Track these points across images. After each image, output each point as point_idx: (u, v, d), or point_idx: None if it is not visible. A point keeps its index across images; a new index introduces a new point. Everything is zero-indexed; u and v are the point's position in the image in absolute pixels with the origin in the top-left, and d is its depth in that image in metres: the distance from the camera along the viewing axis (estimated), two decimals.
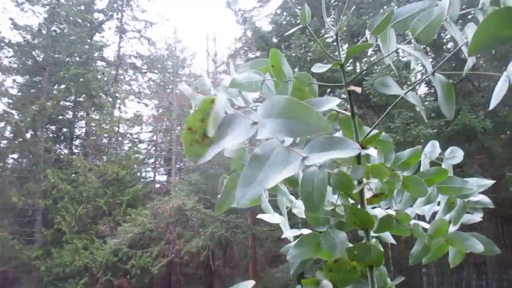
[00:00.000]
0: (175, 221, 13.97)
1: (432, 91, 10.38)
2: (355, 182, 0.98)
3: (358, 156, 0.91)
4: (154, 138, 20.82)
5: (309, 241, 1.10)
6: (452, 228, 1.20)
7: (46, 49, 17.22)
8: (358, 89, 0.89)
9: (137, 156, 18.15)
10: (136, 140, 20.35)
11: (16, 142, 16.97)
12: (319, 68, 0.93)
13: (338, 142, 0.63)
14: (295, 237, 1.12)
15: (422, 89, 11.54)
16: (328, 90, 9.94)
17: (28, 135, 17.25)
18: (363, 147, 0.91)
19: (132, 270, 13.54)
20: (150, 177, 20.78)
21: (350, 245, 1.09)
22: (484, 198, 1.20)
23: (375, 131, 1.12)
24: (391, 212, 1.07)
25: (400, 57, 8.93)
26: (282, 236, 1.26)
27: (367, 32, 1.02)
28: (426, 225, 1.18)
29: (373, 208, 1.12)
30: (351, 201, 0.95)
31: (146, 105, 20.92)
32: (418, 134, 7.57)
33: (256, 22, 13.90)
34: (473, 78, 11.32)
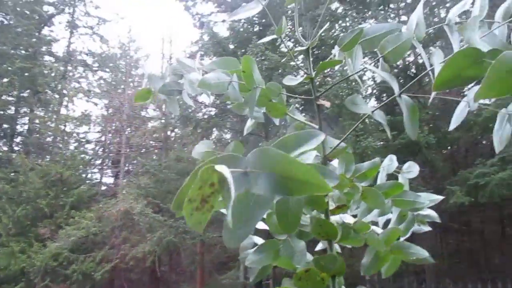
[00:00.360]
0: (121, 225, 13.55)
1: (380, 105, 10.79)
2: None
3: (324, 164, 0.93)
4: (103, 138, 20.15)
5: (269, 248, 1.10)
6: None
7: None
8: (327, 103, 0.90)
9: (84, 157, 17.49)
10: (83, 140, 19.60)
11: None
12: (290, 80, 0.94)
13: (320, 172, 0.64)
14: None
15: (372, 103, 11.98)
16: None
17: None
18: (329, 160, 0.92)
19: (73, 275, 12.95)
20: (96, 179, 20.05)
21: (309, 254, 1.11)
22: (432, 213, 1.26)
23: (343, 145, 1.15)
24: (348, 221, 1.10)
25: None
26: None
27: (336, 48, 1.05)
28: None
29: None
30: (313, 211, 0.96)
31: (96, 104, 20.23)
32: (367, 146, 7.84)
33: (213, 28, 13.89)
34: (417, 92, 11.89)
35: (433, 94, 0.75)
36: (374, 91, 10.16)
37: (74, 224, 13.23)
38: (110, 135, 19.98)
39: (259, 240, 1.27)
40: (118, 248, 13.56)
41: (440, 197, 1.24)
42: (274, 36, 0.98)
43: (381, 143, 9.00)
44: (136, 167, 16.12)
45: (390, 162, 1.28)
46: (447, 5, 12.90)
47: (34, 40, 18.16)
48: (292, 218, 0.69)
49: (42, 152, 18.22)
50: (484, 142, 11.70)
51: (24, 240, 13.78)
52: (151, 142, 18.46)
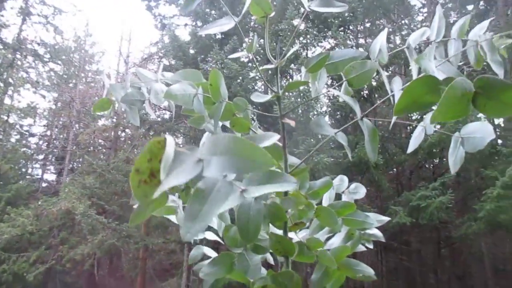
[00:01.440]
0: (61, 225, 12.97)
1: (334, 123, 11.08)
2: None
3: None
4: (48, 133, 19.28)
5: (224, 260, 1.10)
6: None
7: None
8: (292, 122, 0.92)
9: (25, 151, 16.63)
10: (27, 133, 18.67)
11: None
12: (258, 97, 0.95)
13: (276, 176, 0.66)
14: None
15: (327, 119, 12.27)
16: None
17: None
18: None
19: (3, 275, 12.21)
20: (37, 175, 19.12)
21: (263, 269, 1.12)
22: (378, 232, 1.31)
23: (304, 165, 1.17)
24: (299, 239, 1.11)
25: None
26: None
27: (303, 69, 1.07)
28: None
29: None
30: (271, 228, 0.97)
31: (44, 97, 19.34)
32: (319, 162, 8.00)
33: (175, 31, 13.73)
34: (371, 115, 12.35)
35: (394, 118, 0.78)
36: (329, 109, 10.42)
37: (9, 221, 12.50)
38: (56, 130, 19.16)
39: (210, 252, 1.26)
40: (55, 249, 12.95)
41: (387, 218, 1.29)
42: (244, 53, 0.99)
43: (332, 160, 9.22)
44: (82, 165, 15.51)
45: (341, 182, 1.32)
46: (403, 32, 13.52)
47: None
48: (252, 227, 0.70)
49: None
50: (427, 166, 12.30)
51: None
52: (100, 140, 17.88)
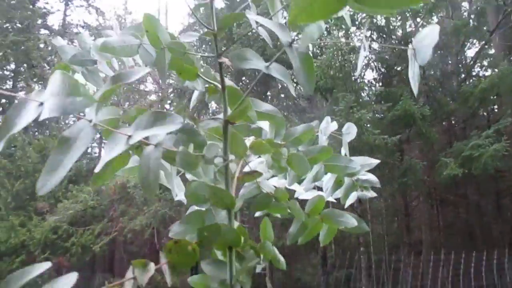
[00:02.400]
0: (119, 199, 13.64)
1: (377, 76, 10.64)
2: (232, 157, 0.94)
3: (225, 129, 0.86)
4: None
5: (194, 218, 1.05)
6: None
7: None
8: (228, 61, 0.83)
9: None
10: (82, 113, 19.53)
11: None
12: (189, 37, 0.86)
13: (161, 118, 0.60)
14: None
15: (369, 75, 11.80)
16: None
17: None
18: (231, 123, 0.85)
19: (73, 248, 13.13)
20: (95, 153, 20.10)
21: (236, 222, 1.06)
22: (372, 177, 1.20)
23: (276, 112, 1.08)
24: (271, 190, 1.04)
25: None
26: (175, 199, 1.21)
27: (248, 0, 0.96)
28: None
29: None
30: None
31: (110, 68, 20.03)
32: (361, 118, 7.74)
33: None
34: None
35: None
36: (371, 61, 9.97)
37: (72, 198, 13.32)
38: None
39: None
40: (116, 221, 13.68)
41: (376, 161, 1.18)
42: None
43: (376, 115, 8.90)
44: None
45: (327, 124, 1.22)
46: None
47: (28, 13, 17.85)
48: (152, 177, 0.64)
49: (41, 127, 18.20)
50: (481, 113, 11.57)
51: (23, 213, 13.92)
52: None
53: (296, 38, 0.82)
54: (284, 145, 1.10)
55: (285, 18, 0.99)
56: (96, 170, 0.60)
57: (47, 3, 20.08)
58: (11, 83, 18.84)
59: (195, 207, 1.02)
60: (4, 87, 18.38)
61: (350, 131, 1.23)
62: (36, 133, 17.78)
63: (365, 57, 0.94)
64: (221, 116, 0.88)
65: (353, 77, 8.86)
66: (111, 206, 14.18)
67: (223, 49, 0.92)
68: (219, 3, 13.53)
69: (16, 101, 0.54)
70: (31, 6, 18.28)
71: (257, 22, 0.84)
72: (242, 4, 0.99)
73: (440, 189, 12.03)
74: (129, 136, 0.57)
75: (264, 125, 1.14)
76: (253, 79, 10.81)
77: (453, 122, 12.11)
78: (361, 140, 7.93)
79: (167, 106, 18.06)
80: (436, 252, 13.67)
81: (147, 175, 0.63)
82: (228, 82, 1.02)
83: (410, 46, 0.73)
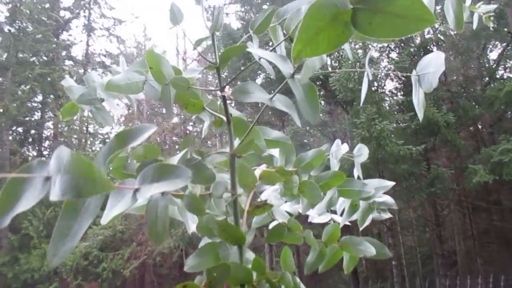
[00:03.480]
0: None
1: (398, 86, 10.51)
2: (240, 191, 0.93)
3: (232, 163, 0.85)
4: None
5: (208, 251, 1.04)
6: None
7: (8, 48, 16.67)
8: (228, 93, 0.83)
9: None
10: (107, 140, 19.97)
11: None
12: (192, 72, 0.87)
13: (168, 171, 0.57)
14: None
15: (390, 85, 11.68)
16: None
17: None
18: (238, 156, 0.85)
19: (104, 273, 13.29)
20: None
21: (251, 253, 1.04)
22: (388, 199, 1.17)
23: (279, 135, 1.07)
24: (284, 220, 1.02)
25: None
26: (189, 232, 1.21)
27: (250, 31, 0.97)
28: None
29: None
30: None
31: (117, 104, 20.51)
32: (383, 129, 7.63)
33: (224, 19, 13.81)
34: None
35: (307, 71, 0.66)
36: (390, 72, 9.86)
37: (101, 223, 13.52)
38: None
39: None
40: (145, 245, 13.80)
41: (391, 183, 1.14)
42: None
43: (399, 125, 8.76)
44: None
45: (337, 147, 1.20)
46: None
47: (53, 45, 18.52)
48: (160, 225, 0.63)
49: None
50: (508, 117, 11.23)
51: None
52: (173, 138, 18.64)
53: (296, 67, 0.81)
54: (295, 171, 1.09)
55: (286, 48, 0.99)
56: (103, 222, 0.59)
57: (70, 35, 20.82)
58: (39, 114, 19.47)
59: (208, 239, 1.01)
60: (33, 118, 19.01)
61: (362, 152, 1.20)
62: None
63: (383, 70, 0.92)
64: (227, 149, 0.87)
65: (373, 88, 8.78)
66: (139, 230, 14.32)
67: (229, 79, 0.92)
68: (234, 23, 13.73)
69: (18, 176, 0.50)
70: (55, 39, 18.96)
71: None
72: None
73: (471, 196, 11.68)
74: (136, 190, 0.56)
75: (275, 151, 1.13)
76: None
77: (479, 127, 11.81)
78: (385, 151, 7.81)
79: (190, 128, 18.29)
80: (472, 262, 13.20)
81: (155, 224, 0.63)
82: (235, 112, 1.01)
83: (414, 72, 0.71)
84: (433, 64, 0.67)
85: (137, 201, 0.60)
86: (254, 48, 0.80)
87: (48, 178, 0.48)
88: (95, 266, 13.48)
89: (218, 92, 0.89)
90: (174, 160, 0.73)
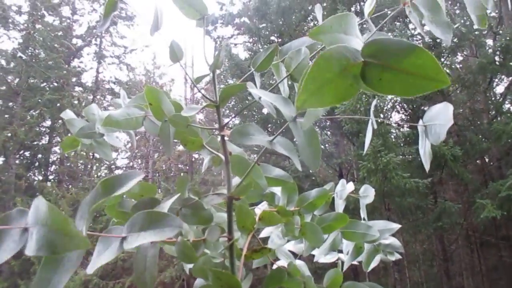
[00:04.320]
0: None
1: (403, 117, 10.49)
2: (238, 234, 0.89)
3: (229, 205, 0.82)
4: (131, 164, 20.51)
5: None
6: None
7: (20, 74, 16.98)
8: (227, 133, 0.80)
9: None
10: (113, 167, 20.00)
11: None
12: (191, 110, 0.85)
13: (157, 220, 0.55)
14: None
15: (396, 117, 11.67)
16: None
17: None
18: (236, 199, 0.82)
19: None
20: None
21: None
22: (395, 242, 1.13)
23: (281, 174, 1.04)
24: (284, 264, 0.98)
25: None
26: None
27: (252, 69, 0.95)
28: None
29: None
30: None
31: (116, 137, 20.67)
32: (389, 162, 7.57)
33: (232, 50, 14.00)
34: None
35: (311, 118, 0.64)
36: (396, 104, 9.88)
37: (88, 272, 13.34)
38: (138, 160, 20.31)
39: None
40: None
41: (397, 226, 1.10)
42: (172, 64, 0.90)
43: (404, 157, 8.69)
44: (162, 192, 16.24)
45: (343, 187, 1.16)
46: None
47: (63, 72, 18.83)
48: (149, 276, 0.60)
49: (73, 180, 18.67)
50: None
51: None
52: (179, 165, 18.63)
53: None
54: (297, 211, 1.05)
55: (290, 87, 0.97)
56: (89, 271, 0.56)
57: (81, 62, 21.18)
58: (47, 138, 19.60)
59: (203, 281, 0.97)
60: (41, 143, 19.13)
61: (368, 194, 1.17)
62: (69, 185, 18.24)
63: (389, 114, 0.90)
64: (224, 191, 0.84)
65: (379, 120, 8.76)
66: None
67: (232, 114, 0.90)
68: (242, 53, 13.92)
69: None
70: (66, 66, 19.30)
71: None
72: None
73: (479, 231, 11.45)
74: (123, 238, 0.54)
75: (277, 189, 1.10)
76: (279, 126, 10.83)
77: (487, 160, 11.69)
78: (391, 184, 7.72)
79: (196, 156, 18.30)
80: None
81: (143, 274, 0.59)
82: (236, 149, 0.99)
83: (420, 122, 0.69)
84: (442, 117, 0.64)
85: (123, 249, 0.57)
86: (254, 89, 0.78)
87: (26, 229, 0.46)
88: None
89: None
90: (168, 203, 0.69)
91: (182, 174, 18.06)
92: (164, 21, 0.83)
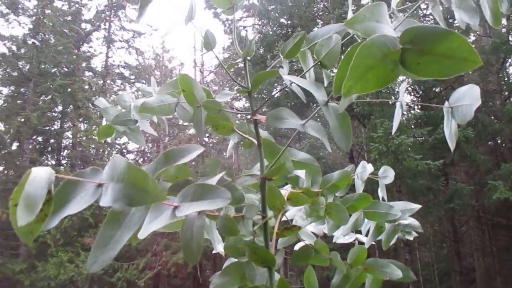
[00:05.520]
0: (162, 233, 13.82)
1: (415, 99, 10.43)
2: (270, 213, 0.94)
3: (263, 185, 0.87)
4: (142, 148, 20.69)
5: (234, 270, 1.05)
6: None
7: (31, 59, 17.09)
8: (263, 118, 0.84)
9: None
10: (125, 151, 20.21)
11: (1, 154, 16.75)
12: (224, 96, 0.89)
13: (209, 191, 0.59)
14: None
15: (407, 98, 11.59)
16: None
17: (13, 147, 17.06)
18: (268, 179, 0.86)
19: (118, 283, 13.35)
20: None
21: (277, 275, 1.05)
22: (414, 222, 1.17)
23: (305, 157, 1.09)
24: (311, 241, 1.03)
25: None
26: (214, 251, 1.22)
27: (281, 56, 0.99)
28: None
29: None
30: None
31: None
32: (401, 144, 7.57)
33: (241, 33, 13.94)
34: (458, 86, 11.40)
35: (345, 102, 0.68)
36: (408, 86, 9.81)
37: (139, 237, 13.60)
38: (149, 144, 20.48)
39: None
40: (160, 255, 13.84)
41: (418, 206, 1.15)
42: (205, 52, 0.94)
43: (417, 139, 8.68)
44: None
45: (363, 169, 1.20)
46: None
47: (74, 57, 18.92)
48: (195, 245, 0.65)
49: (86, 164, 18.92)
50: None
51: (71, 250, 14.35)
52: None
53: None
54: (321, 193, 1.10)
55: (315, 72, 1.00)
56: (140, 236, 0.60)
57: (90, 47, 21.23)
58: (58, 123, 19.82)
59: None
60: (53, 128, 19.37)
61: (387, 174, 1.21)
62: (82, 169, 18.49)
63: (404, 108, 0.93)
64: (257, 172, 0.89)
65: (390, 102, 8.73)
66: (154, 240, 14.38)
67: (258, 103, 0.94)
68: (251, 37, 13.85)
69: (73, 178, 0.54)
70: (76, 51, 19.38)
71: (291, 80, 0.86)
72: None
73: (490, 213, 11.46)
74: (175, 207, 0.59)
75: (301, 172, 1.14)
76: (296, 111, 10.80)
77: (499, 142, 11.62)
78: (403, 166, 7.73)
79: (206, 139, 18.40)
80: (491, 280, 12.87)
81: (190, 243, 0.64)
82: (264, 134, 1.03)
83: (446, 103, 0.72)
84: (469, 97, 0.68)
85: (175, 218, 0.62)
86: (286, 75, 0.82)
87: (100, 185, 0.51)
88: (110, 275, 13.56)
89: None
90: (213, 181, 0.74)
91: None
92: (198, 11, 0.87)
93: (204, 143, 17.62)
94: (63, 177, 0.53)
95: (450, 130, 0.74)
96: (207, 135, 18.10)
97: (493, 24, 0.91)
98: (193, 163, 18.30)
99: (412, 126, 8.41)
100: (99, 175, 0.54)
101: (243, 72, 0.97)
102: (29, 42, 17.66)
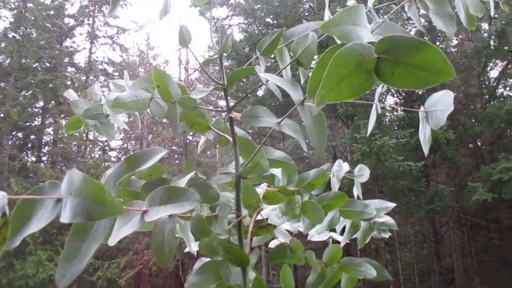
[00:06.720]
0: (144, 231, 13.70)
1: (398, 101, 10.55)
2: (245, 212, 0.93)
3: (238, 184, 0.86)
4: (125, 145, 20.47)
5: (209, 269, 1.04)
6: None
7: (12, 54, 16.75)
8: (238, 115, 0.83)
9: (107, 164, 17.76)
10: (107, 148, 19.98)
11: None
12: (199, 93, 0.88)
13: (176, 194, 0.58)
14: None
15: (390, 100, 11.74)
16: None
17: None
18: (243, 178, 0.85)
19: (99, 281, 13.19)
20: None
21: (252, 273, 1.04)
22: (389, 220, 1.18)
23: (283, 156, 1.08)
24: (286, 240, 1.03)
25: None
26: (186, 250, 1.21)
27: (257, 53, 0.98)
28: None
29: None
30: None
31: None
32: (383, 145, 7.65)
33: (226, 31, 13.89)
34: (439, 88, 11.54)
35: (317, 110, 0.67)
36: (391, 87, 9.90)
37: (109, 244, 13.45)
38: (132, 142, 20.28)
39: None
40: (141, 254, 13.72)
41: (393, 204, 1.15)
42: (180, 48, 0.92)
43: (399, 140, 8.77)
44: None
45: (339, 167, 1.20)
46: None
47: (56, 52, 18.60)
48: (167, 249, 0.63)
49: (67, 161, 18.63)
50: (508, 135, 11.27)
51: (51, 248, 14.11)
52: (173, 147, 18.64)
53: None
54: (297, 191, 1.09)
55: (294, 73, 1.00)
56: (110, 243, 0.59)
57: (73, 42, 20.91)
58: (39, 119, 19.48)
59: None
60: (34, 124, 19.02)
61: (363, 173, 1.22)
62: (63, 167, 18.23)
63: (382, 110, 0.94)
64: (232, 170, 0.88)
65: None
66: (136, 239, 14.25)
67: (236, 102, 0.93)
68: (237, 35, 13.81)
69: (27, 199, 0.51)
70: (58, 46, 19.05)
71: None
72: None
73: (470, 214, 11.66)
74: (144, 212, 0.57)
75: (277, 171, 1.14)
76: (273, 109, 10.83)
77: (479, 145, 11.83)
78: (385, 167, 7.81)
79: (190, 138, 18.31)
80: (470, 280, 13.10)
81: (161, 246, 0.63)
82: (240, 132, 1.02)
83: (422, 108, 0.72)
84: (443, 102, 0.68)
85: (145, 222, 0.61)
86: (262, 72, 0.81)
87: (59, 199, 0.49)
88: (90, 274, 13.38)
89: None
90: (182, 182, 0.73)
91: (176, 156, 18.10)
92: (173, 6, 0.86)
93: (187, 141, 17.51)
94: (18, 198, 0.51)
95: (424, 135, 0.74)
96: (191, 133, 18.00)
97: (467, 26, 0.91)
98: (177, 161, 18.19)
99: (395, 128, 8.51)
100: (58, 189, 0.51)
101: (228, 71, 0.96)
102: (10, 36, 17.30)
